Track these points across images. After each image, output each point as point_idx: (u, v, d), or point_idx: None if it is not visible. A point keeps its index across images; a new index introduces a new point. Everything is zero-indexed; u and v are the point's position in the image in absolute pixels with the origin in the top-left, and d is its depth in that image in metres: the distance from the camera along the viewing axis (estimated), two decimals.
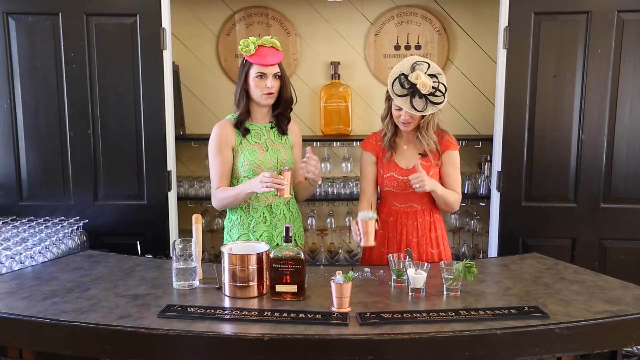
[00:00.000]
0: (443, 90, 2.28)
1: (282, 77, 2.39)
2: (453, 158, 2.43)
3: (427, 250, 2.44)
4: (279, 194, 2.24)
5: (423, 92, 2.23)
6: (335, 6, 3.71)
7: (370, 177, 2.49)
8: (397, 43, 3.75)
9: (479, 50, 3.75)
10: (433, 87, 2.24)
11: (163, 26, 3.10)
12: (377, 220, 2.07)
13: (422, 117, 2.32)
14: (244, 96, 2.38)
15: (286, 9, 3.74)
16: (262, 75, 2.32)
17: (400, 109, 2.31)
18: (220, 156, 2.40)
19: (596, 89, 3.09)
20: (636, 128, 3.11)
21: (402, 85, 2.27)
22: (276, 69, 2.35)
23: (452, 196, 2.40)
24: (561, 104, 3.13)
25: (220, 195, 2.39)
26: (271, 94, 2.36)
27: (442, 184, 2.43)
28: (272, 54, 2.33)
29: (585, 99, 3.10)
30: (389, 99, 2.36)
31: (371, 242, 2.08)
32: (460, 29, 3.76)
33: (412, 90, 2.25)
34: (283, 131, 2.47)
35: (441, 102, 2.27)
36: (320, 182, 2.40)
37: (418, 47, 3.75)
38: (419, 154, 2.41)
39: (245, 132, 2.40)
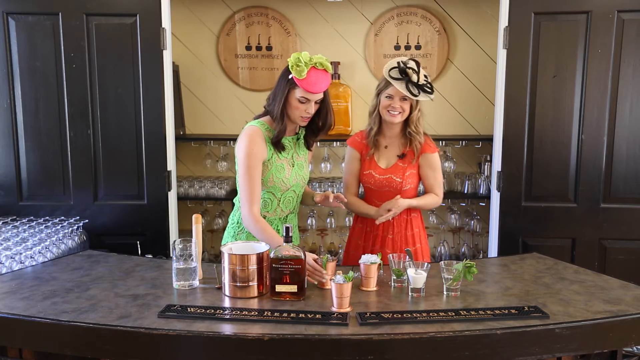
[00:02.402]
0: (431, 87, 2.39)
1: (324, 103, 2.27)
2: (430, 160, 2.49)
3: (401, 247, 2.48)
4: (319, 285, 2.05)
5: (415, 81, 2.34)
6: (335, 6, 3.71)
7: (354, 173, 2.57)
8: (397, 43, 3.75)
9: (479, 50, 3.75)
10: (425, 80, 2.37)
11: (163, 26, 3.10)
12: (379, 265, 2.03)
13: (411, 112, 2.41)
14: (284, 113, 2.22)
15: (286, 9, 3.74)
16: (305, 101, 2.19)
17: (391, 98, 2.38)
18: (255, 173, 2.23)
19: (596, 89, 3.09)
20: (636, 128, 3.11)
21: (400, 71, 2.36)
22: (320, 96, 2.22)
23: (428, 201, 2.53)
24: (561, 104, 3.13)
25: (258, 230, 2.19)
26: (308, 118, 2.26)
27: (422, 184, 2.56)
28: (322, 79, 2.18)
29: (585, 99, 3.10)
30: (379, 93, 2.44)
31: (372, 287, 2.01)
32: (460, 29, 3.76)
33: (408, 78, 2.34)
34: (308, 146, 2.41)
35: (431, 93, 2.38)
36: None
37: (418, 47, 3.75)
38: (397, 155, 2.49)
39: (281, 149, 2.28)
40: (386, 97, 2.40)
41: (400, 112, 2.40)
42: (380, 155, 2.52)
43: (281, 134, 2.25)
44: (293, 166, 2.34)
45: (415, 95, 2.35)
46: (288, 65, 2.19)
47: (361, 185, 2.59)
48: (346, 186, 2.59)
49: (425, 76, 2.39)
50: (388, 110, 2.41)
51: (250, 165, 2.21)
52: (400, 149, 2.50)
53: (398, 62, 2.38)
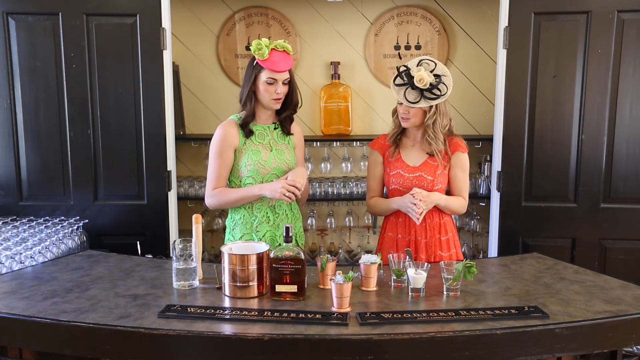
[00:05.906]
0: (443, 91, 2.30)
1: (291, 83, 2.37)
2: (462, 160, 2.44)
3: (435, 252, 2.43)
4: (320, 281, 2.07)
5: (418, 85, 2.27)
6: (335, 6, 3.71)
7: (377, 176, 2.52)
8: (397, 43, 3.75)
9: (479, 50, 3.75)
10: (431, 84, 2.28)
11: (163, 26, 3.10)
12: (379, 265, 2.02)
13: (425, 116, 2.33)
14: (252, 98, 2.37)
15: (286, 9, 3.74)
16: (272, 82, 2.31)
17: (401, 103, 2.35)
18: (222, 157, 2.39)
19: (596, 89, 3.09)
20: (636, 128, 3.11)
21: (401, 77, 2.32)
22: (286, 75, 2.33)
23: (457, 203, 2.45)
24: (561, 104, 3.13)
25: (220, 195, 2.38)
26: (279, 99, 2.35)
27: (449, 186, 2.46)
28: (284, 59, 2.31)
29: (585, 99, 3.10)
30: None
31: (372, 287, 2.00)
32: (460, 29, 3.76)
33: (410, 83, 2.29)
34: (287, 132, 2.47)
35: (435, 99, 2.29)
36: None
37: (418, 47, 3.75)
38: (427, 153, 2.42)
39: (249, 133, 2.39)
40: (398, 102, 2.38)
41: (408, 119, 2.35)
42: (407, 153, 2.46)
43: (249, 118, 2.39)
44: (271, 150, 2.41)
45: (412, 102, 2.29)
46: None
47: (385, 188, 2.53)
48: (369, 190, 2.56)
49: (440, 76, 2.30)
50: (398, 113, 2.39)
51: (217, 150, 2.38)
52: (429, 148, 2.41)
53: (403, 68, 2.33)
